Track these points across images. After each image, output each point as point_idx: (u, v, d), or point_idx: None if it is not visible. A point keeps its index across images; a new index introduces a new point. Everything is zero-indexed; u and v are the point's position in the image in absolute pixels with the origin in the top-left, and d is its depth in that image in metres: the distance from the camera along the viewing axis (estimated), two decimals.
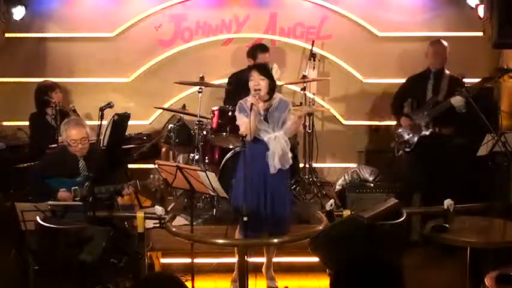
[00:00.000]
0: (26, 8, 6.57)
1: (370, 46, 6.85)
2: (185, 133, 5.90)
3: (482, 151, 5.12)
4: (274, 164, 4.62)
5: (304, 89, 6.20)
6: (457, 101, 5.50)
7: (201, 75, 5.84)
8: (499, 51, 6.37)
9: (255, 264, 4.85)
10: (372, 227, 3.86)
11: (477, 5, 6.26)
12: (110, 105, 4.78)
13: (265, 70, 4.66)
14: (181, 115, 6.02)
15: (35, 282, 4.43)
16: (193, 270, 4.60)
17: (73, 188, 4.92)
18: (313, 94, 6.65)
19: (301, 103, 6.21)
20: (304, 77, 6.20)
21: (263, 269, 5.02)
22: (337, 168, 6.87)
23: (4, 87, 6.83)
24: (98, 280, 4.17)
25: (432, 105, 5.70)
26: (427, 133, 5.71)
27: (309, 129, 6.29)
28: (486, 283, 3.63)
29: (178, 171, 4.41)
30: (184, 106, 6.07)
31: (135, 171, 6.34)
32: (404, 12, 6.83)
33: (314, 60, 6.44)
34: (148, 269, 4.86)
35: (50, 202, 4.54)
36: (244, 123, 4.58)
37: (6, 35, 6.48)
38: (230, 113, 5.50)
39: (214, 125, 5.64)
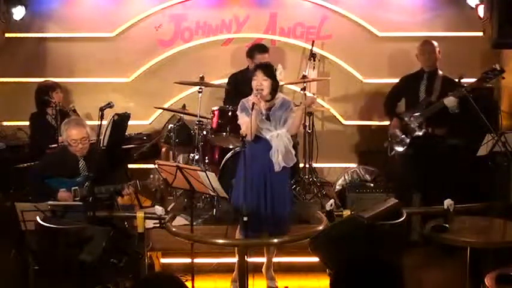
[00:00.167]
0: (26, 8, 6.57)
1: (370, 46, 6.86)
2: (185, 133, 5.90)
3: (482, 151, 5.12)
4: (278, 161, 4.63)
5: (304, 89, 6.20)
6: (450, 101, 5.51)
7: (201, 75, 5.84)
8: (499, 51, 6.37)
9: (255, 264, 4.85)
10: (372, 227, 3.86)
11: (477, 5, 6.26)
12: (110, 105, 4.78)
13: (269, 71, 4.65)
14: (181, 115, 6.02)
15: (35, 282, 4.43)
16: (193, 270, 4.60)
17: (73, 188, 4.92)
18: (313, 94, 6.65)
19: (300, 103, 6.20)
20: (304, 77, 6.20)
21: (263, 269, 5.02)
22: (337, 168, 6.86)
23: (4, 87, 6.83)
24: (98, 280, 4.16)
25: (425, 105, 5.72)
26: (420, 133, 5.73)
27: (309, 129, 6.29)
28: (486, 283, 3.63)
29: (178, 171, 4.41)
30: (184, 106, 6.07)
31: (135, 171, 6.34)
32: (404, 12, 6.84)
33: (314, 60, 6.44)
34: (148, 269, 4.86)
35: (50, 202, 4.54)
36: (245, 122, 4.58)
37: (6, 35, 6.48)
38: (230, 113, 5.50)
39: (214, 125, 5.63)
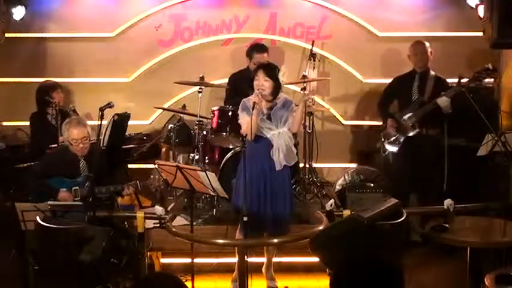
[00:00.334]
0: (26, 8, 6.56)
1: (370, 46, 6.86)
2: (185, 133, 5.90)
3: (482, 151, 5.12)
4: (279, 160, 4.63)
5: (304, 89, 6.20)
6: (442, 101, 5.55)
7: (201, 75, 5.84)
8: (499, 51, 6.37)
9: (255, 264, 4.85)
10: (372, 227, 3.86)
11: (477, 5, 6.26)
12: (110, 105, 4.78)
13: (271, 71, 4.64)
14: (181, 115, 6.01)
15: (35, 282, 4.43)
16: (193, 270, 4.61)
17: (73, 188, 4.92)
18: (313, 94, 6.65)
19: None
20: (304, 77, 6.19)
21: (263, 269, 5.02)
22: (337, 168, 6.86)
23: (4, 87, 6.83)
24: (98, 280, 4.16)
25: (418, 105, 5.75)
26: (413, 133, 5.75)
27: (309, 129, 6.28)
28: (486, 283, 3.64)
29: (178, 171, 4.41)
30: (184, 106, 6.07)
31: (135, 171, 6.34)
32: (404, 12, 6.83)
33: (314, 60, 6.43)
34: (148, 269, 4.86)
35: (50, 202, 4.55)
36: (246, 122, 4.58)
37: (6, 35, 6.46)
38: (230, 113, 5.50)
39: (214, 125, 5.63)
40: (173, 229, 4.58)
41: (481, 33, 6.07)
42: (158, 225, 4.65)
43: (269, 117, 4.66)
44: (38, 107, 6.09)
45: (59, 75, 6.61)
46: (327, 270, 4.26)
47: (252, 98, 4.55)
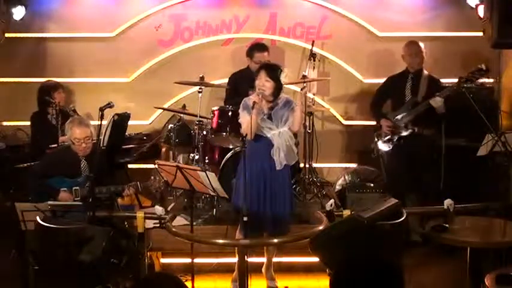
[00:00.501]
0: (26, 8, 6.56)
1: (370, 46, 6.86)
2: (185, 133, 5.90)
3: (482, 151, 5.13)
4: (280, 159, 4.63)
5: (303, 88, 6.19)
6: (436, 102, 5.57)
7: (201, 75, 5.84)
8: (499, 51, 6.37)
9: (255, 264, 4.85)
10: (372, 227, 3.86)
11: (477, 5, 6.26)
12: (110, 105, 4.78)
13: (272, 72, 4.63)
14: (181, 115, 6.01)
15: (35, 282, 4.43)
16: (193, 270, 4.61)
17: (74, 188, 4.92)
18: (313, 94, 6.65)
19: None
20: (304, 77, 6.19)
21: (263, 269, 5.02)
22: (337, 168, 6.87)
23: (4, 87, 6.83)
24: (98, 280, 4.16)
25: (411, 105, 5.76)
26: (406, 134, 5.76)
27: (309, 129, 6.28)
28: (486, 283, 3.64)
29: (178, 171, 4.41)
30: (184, 106, 6.07)
31: (135, 171, 6.35)
32: (404, 12, 6.83)
33: (314, 60, 6.43)
34: (148, 269, 4.86)
35: (50, 202, 4.55)
36: (246, 121, 4.58)
37: (6, 35, 6.46)
38: (230, 113, 5.50)
39: (214, 125, 5.63)
40: (173, 229, 4.59)
41: (481, 33, 6.08)
42: (158, 225, 4.65)
43: (270, 117, 4.66)
44: (39, 107, 6.09)
45: (59, 75, 6.61)
46: (327, 270, 4.26)
47: (253, 98, 4.55)
